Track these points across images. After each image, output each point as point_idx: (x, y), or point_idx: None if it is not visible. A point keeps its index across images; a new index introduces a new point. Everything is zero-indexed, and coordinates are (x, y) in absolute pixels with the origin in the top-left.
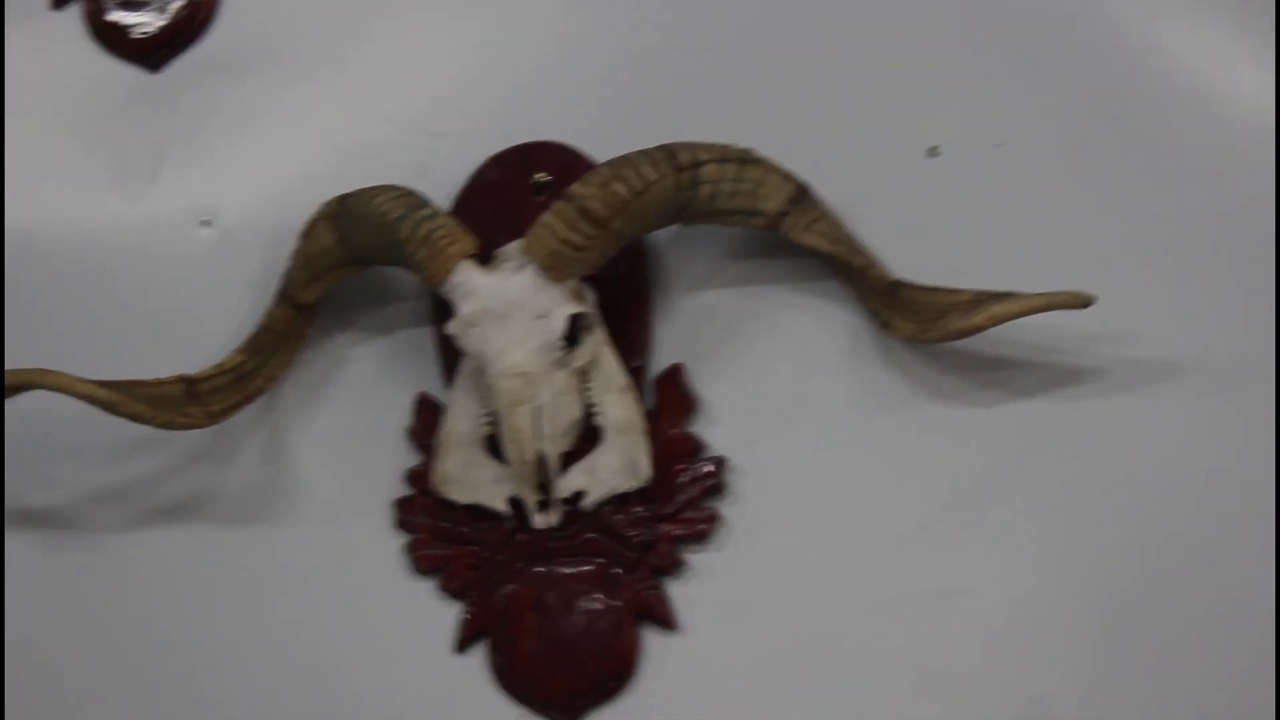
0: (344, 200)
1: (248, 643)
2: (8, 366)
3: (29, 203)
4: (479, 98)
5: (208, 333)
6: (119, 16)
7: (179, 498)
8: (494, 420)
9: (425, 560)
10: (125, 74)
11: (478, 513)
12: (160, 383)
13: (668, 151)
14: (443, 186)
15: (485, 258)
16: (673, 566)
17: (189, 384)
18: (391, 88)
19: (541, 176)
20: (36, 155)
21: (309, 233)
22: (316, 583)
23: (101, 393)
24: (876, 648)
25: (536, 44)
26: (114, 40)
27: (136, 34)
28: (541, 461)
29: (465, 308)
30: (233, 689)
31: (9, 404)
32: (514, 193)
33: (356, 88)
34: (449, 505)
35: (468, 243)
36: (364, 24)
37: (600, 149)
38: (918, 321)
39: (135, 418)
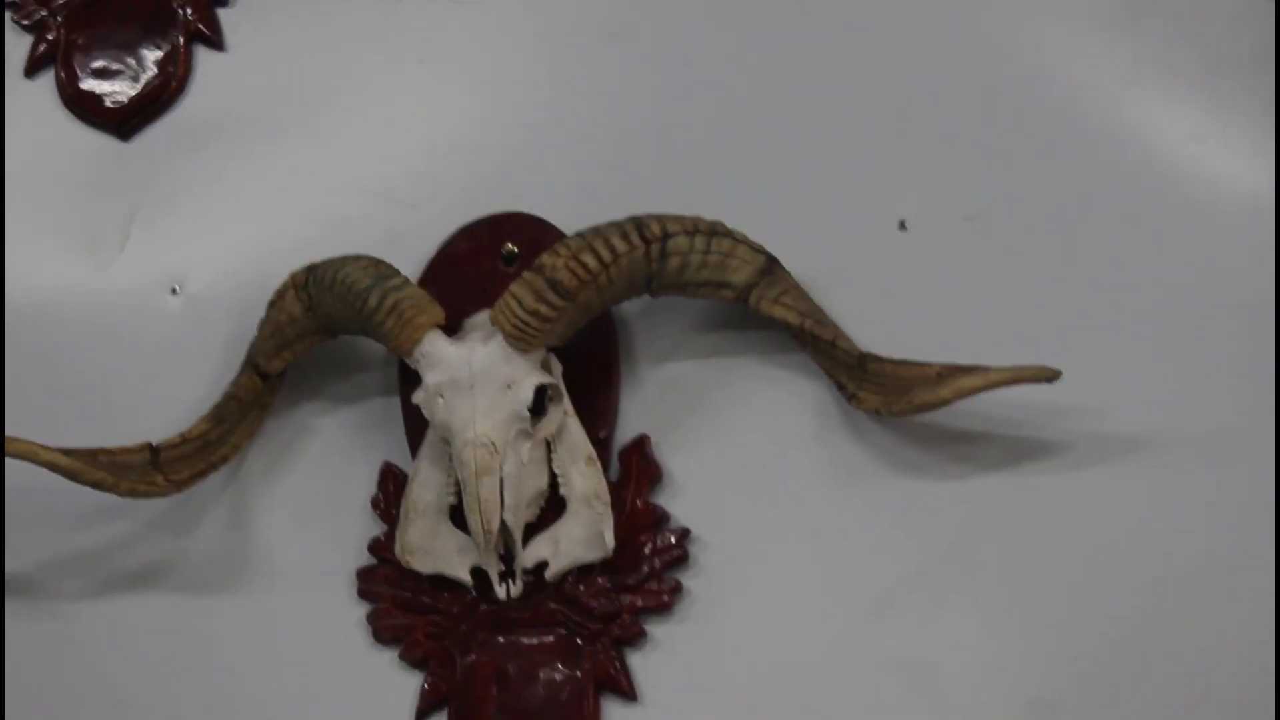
0: (312, 269)
1: (207, 712)
2: None
3: None
4: (449, 169)
5: (174, 400)
6: (92, 85)
7: (141, 566)
8: (458, 490)
9: (386, 630)
10: (97, 142)
11: (440, 583)
12: (124, 451)
13: (637, 223)
14: (412, 257)
15: (454, 328)
16: (635, 637)
17: (153, 452)
18: (362, 158)
19: (511, 247)
20: (5, 222)
21: (277, 302)
22: (277, 652)
23: (64, 460)
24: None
25: (507, 116)
26: (86, 109)
27: (109, 102)
28: (505, 532)
29: (431, 377)
30: None
31: None
32: (483, 263)
33: (327, 158)
34: (412, 575)
35: (435, 313)
36: (335, 95)
37: (570, 220)
38: (885, 394)
39: (98, 485)
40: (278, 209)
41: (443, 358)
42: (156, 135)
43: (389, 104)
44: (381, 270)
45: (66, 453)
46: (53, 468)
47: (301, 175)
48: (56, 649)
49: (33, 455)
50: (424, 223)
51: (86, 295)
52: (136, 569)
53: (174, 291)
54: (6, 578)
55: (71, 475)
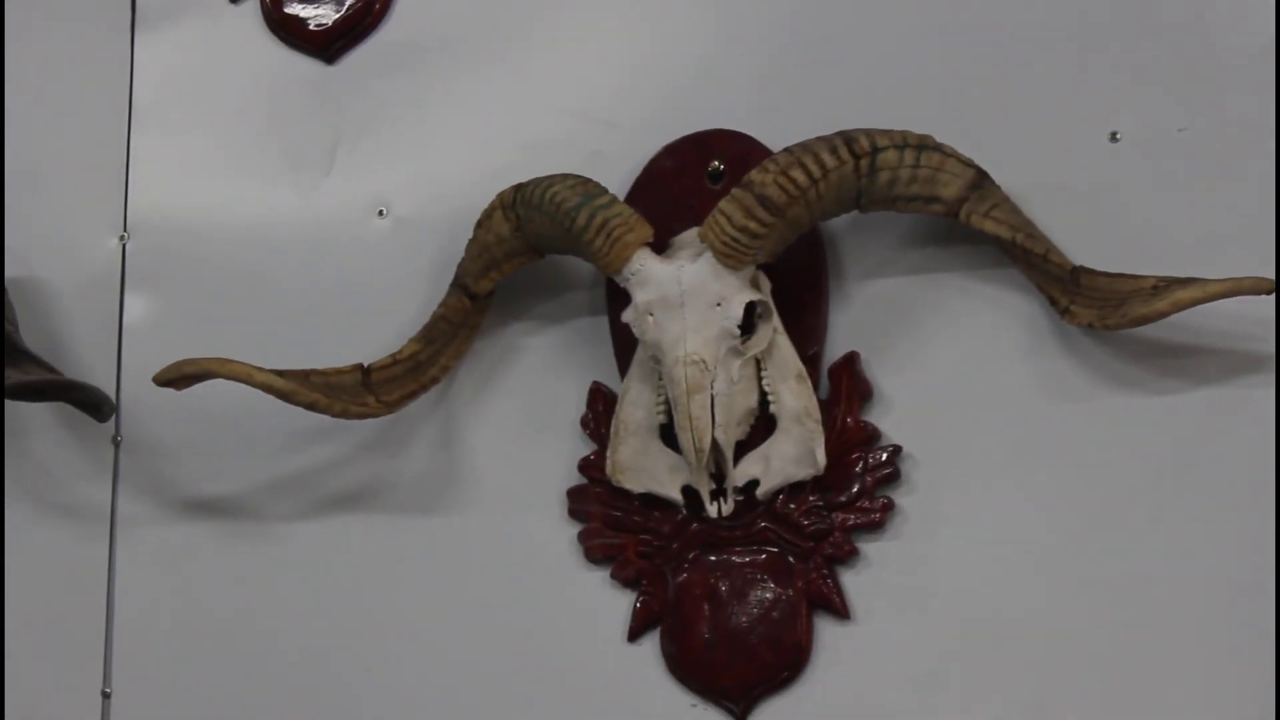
0: (520, 189)
1: (421, 630)
2: (187, 357)
3: (206, 193)
4: (652, 87)
5: (382, 322)
6: (297, 9)
7: (352, 486)
8: (668, 408)
9: (597, 549)
10: (302, 66)
11: (651, 502)
12: (336, 372)
13: (845, 138)
14: (615, 175)
15: (660, 246)
16: (847, 555)
17: (365, 373)
18: (565, 78)
19: (716, 164)
20: (214, 146)
21: (485, 222)
22: (489, 571)
23: (279, 381)
24: (1053, 637)
25: (709, 32)
26: (291, 32)
27: (314, 25)
28: (716, 450)
29: (641, 295)
30: (407, 675)
31: (184, 393)
32: (689, 181)
33: (530, 78)
34: (622, 494)
35: (644, 230)
36: (537, 16)
37: (775, 137)
38: (1099, 308)
39: (311, 406)
40: (482, 130)
41: (652, 275)
42: (361, 58)
43: (589, 23)
44: (590, 189)
45: (280, 374)
46: (267, 389)
47: (504, 96)
48: (270, 569)
49: (247, 377)
50: (626, 141)
51: (294, 219)
52: (347, 490)
53: (380, 214)
54: (217, 500)
55: (286, 396)
